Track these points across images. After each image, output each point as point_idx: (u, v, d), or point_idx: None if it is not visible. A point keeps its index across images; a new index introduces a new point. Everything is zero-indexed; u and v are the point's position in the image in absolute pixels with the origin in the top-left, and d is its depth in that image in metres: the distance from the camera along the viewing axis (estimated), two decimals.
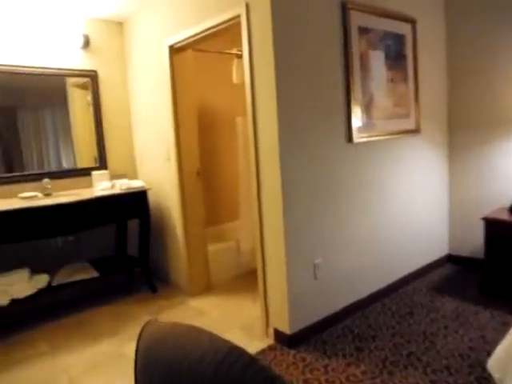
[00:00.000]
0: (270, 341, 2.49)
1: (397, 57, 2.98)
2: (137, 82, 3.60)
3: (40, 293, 2.87)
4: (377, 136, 2.83)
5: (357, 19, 2.62)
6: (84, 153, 3.55)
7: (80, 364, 2.38)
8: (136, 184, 3.28)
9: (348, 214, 2.71)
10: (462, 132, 3.41)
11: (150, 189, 3.37)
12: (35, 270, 2.96)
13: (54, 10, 3.17)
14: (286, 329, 2.42)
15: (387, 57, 2.89)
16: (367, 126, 2.76)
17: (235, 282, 3.51)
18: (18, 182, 3.13)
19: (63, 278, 3.01)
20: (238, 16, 2.35)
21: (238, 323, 2.76)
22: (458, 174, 3.48)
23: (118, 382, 2.16)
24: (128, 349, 2.45)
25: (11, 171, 3.15)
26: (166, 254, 3.59)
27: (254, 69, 2.35)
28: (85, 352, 2.51)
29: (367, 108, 2.75)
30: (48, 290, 2.92)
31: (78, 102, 3.48)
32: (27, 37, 3.11)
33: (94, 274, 3.13)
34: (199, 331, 1.02)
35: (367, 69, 2.73)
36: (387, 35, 2.88)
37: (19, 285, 2.76)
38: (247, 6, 2.30)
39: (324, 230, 2.56)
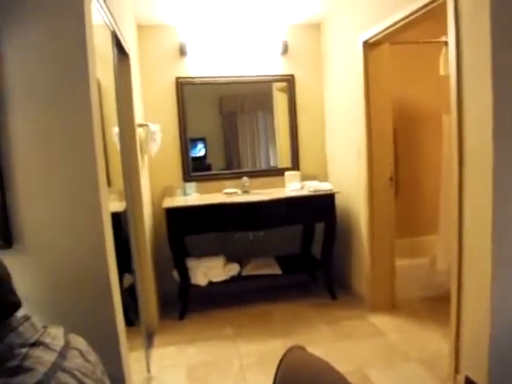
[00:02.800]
0: None
1: None
2: (331, 83, 3.54)
3: (231, 280, 3.19)
4: None
5: None
6: (282, 154, 3.75)
7: (252, 355, 2.51)
8: (324, 186, 3.24)
9: None
10: None
11: (338, 192, 3.27)
12: (229, 259, 3.30)
13: (261, 22, 3.43)
14: (484, 382, 1.92)
15: None
16: None
17: (423, 305, 3.05)
18: (230, 178, 3.54)
19: (251, 270, 3.27)
20: None
21: (419, 355, 2.37)
22: None
23: None
24: None
25: (231, 168, 3.60)
26: (349, 261, 3.43)
27: (462, 59, 1.93)
28: (259, 344, 2.63)
29: None
30: (238, 278, 3.22)
31: (280, 105, 3.69)
32: (243, 50, 3.49)
33: (278, 271, 3.27)
34: (339, 379, 0.89)
35: None
36: None
37: (216, 270, 3.14)
38: None
39: None
